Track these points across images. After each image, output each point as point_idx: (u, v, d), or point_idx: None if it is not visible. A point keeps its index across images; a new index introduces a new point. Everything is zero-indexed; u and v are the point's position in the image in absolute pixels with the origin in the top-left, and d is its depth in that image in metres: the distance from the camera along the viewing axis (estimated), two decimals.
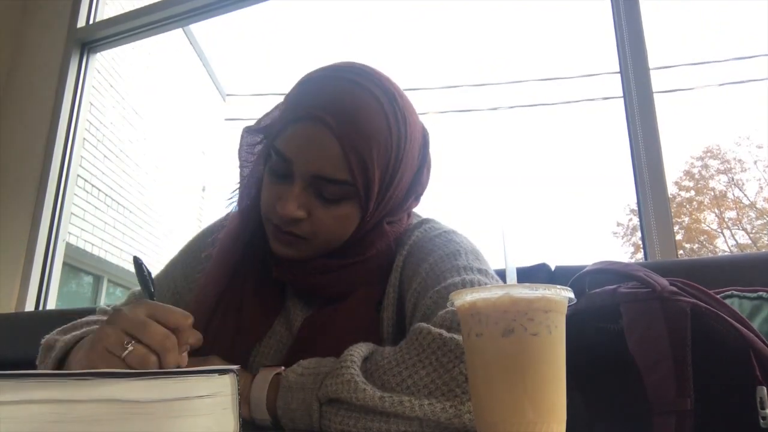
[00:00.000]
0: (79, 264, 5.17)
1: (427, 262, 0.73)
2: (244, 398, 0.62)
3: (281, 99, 0.78)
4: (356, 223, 0.72)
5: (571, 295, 0.42)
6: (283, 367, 0.63)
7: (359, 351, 0.60)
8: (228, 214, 0.86)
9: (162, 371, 0.43)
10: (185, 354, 0.55)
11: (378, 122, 0.67)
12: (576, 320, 0.71)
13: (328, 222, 0.70)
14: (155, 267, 0.76)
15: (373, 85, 0.69)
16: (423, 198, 0.82)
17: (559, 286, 0.41)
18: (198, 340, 0.58)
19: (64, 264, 2.34)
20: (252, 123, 0.81)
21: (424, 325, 0.59)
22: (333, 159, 0.66)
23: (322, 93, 0.68)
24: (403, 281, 0.76)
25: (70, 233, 4.65)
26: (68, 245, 3.95)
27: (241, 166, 0.80)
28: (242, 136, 0.79)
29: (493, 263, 0.78)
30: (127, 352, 0.52)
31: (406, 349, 0.58)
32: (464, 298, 0.43)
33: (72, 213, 3.93)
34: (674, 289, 0.62)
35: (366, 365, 0.59)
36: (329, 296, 0.76)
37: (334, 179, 0.67)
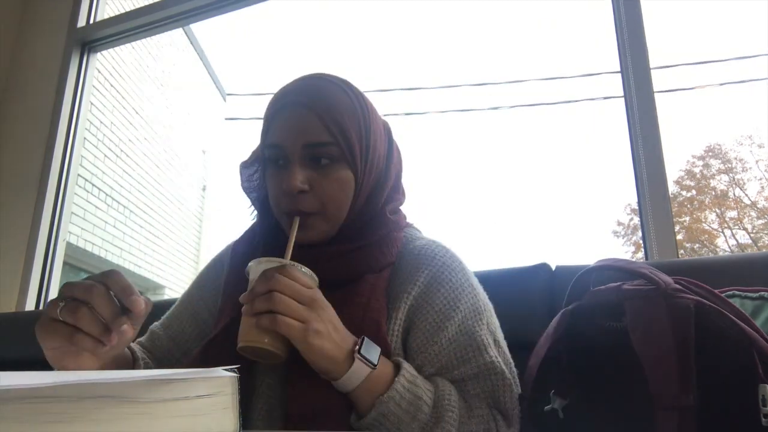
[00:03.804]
0: (79, 264, 5.17)
1: (448, 300, 0.78)
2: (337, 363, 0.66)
3: None
4: (353, 187, 0.79)
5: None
6: (375, 364, 0.67)
7: (454, 396, 0.70)
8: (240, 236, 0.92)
9: (162, 371, 0.43)
10: (128, 328, 0.63)
11: (342, 97, 0.79)
12: (580, 317, 0.71)
13: (329, 188, 0.77)
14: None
15: (330, 77, 0.82)
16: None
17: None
18: (140, 304, 0.62)
19: (65, 264, 2.34)
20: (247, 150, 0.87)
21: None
22: (314, 126, 0.76)
23: (292, 87, 0.80)
24: (403, 282, 0.79)
25: (70, 233, 4.65)
26: (69, 245, 3.94)
27: (248, 195, 0.87)
28: (240, 172, 0.87)
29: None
30: (59, 308, 0.58)
31: None
32: None
33: (72, 212, 3.92)
34: (678, 286, 0.62)
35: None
36: (334, 280, 0.78)
37: (321, 142, 0.76)
